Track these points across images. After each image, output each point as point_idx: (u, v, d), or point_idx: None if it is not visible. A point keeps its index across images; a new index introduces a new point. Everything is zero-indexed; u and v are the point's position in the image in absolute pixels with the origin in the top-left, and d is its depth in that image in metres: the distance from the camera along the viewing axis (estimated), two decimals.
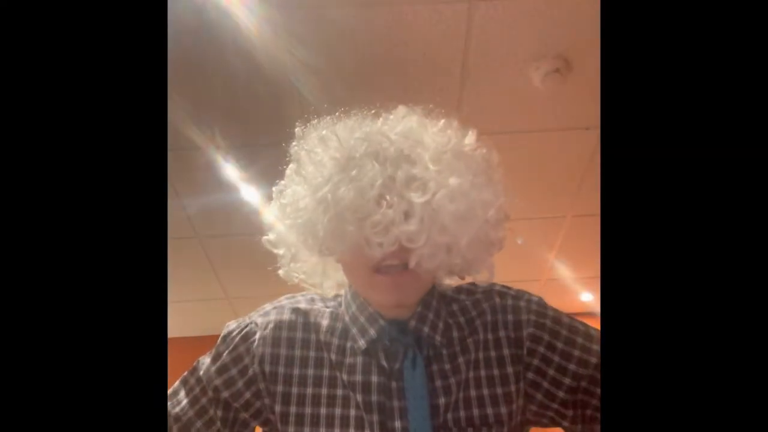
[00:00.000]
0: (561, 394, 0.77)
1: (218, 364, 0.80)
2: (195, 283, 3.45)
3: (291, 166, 0.81)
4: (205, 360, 0.83)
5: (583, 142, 2.57)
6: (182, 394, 0.83)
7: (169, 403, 0.82)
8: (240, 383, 0.79)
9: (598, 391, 0.76)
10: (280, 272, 0.84)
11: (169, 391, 0.83)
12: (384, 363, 0.77)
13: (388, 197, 0.69)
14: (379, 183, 0.69)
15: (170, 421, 0.80)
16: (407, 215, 0.69)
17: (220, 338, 0.83)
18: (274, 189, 0.81)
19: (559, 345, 0.78)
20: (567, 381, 0.77)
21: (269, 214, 0.80)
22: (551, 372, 0.77)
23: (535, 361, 0.78)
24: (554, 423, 0.81)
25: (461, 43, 2.07)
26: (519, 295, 0.83)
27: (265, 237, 0.82)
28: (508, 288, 0.85)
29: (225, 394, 0.79)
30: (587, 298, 3.81)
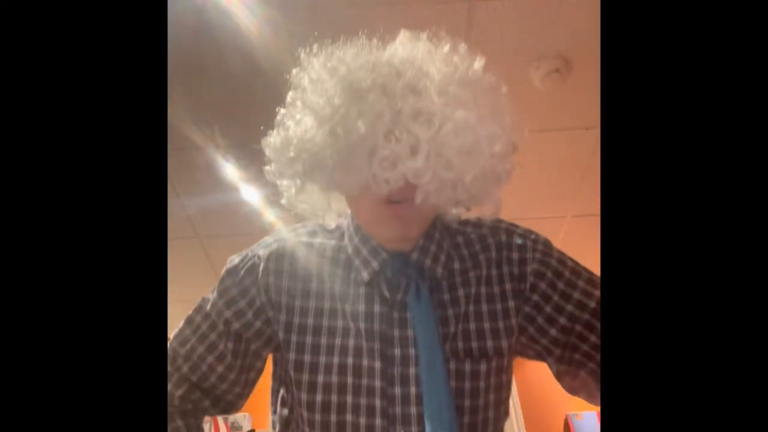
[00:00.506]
0: (553, 331, 0.78)
1: (226, 297, 0.81)
2: (195, 283, 3.45)
3: (291, 94, 0.79)
4: (211, 297, 0.83)
5: (583, 142, 2.57)
6: (188, 332, 0.83)
7: (175, 343, 0.82)
8: (249, 314, 0.80)
9: (592, 337, 0.76)
10: (283, 201, 0.83)
11: (174, 332, 0.84)
12: (386, 294, 0.77)
13: (396, 132, 0.68)
14: (388, 118, 0.68)
15: (179, 361, 0.81)
16: (413, 151, 0.68)
17: (224, 272, 0.83)
18: (276, 120, 0.79)
19: (560, 285, 0.79)
20: (562, 320, 0.78)
21: (269, 146, 0.78)
22: (548, 309, 0.78)
23: (535, 297, 0.79)
24: (540, 357, 0.82)
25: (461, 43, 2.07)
26: (526, 233, 0.83)
27: (266, 168, 0.80)
28: (516, 226, 0.85)
29: (236, 326, 0.80)
30: None
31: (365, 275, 0.78)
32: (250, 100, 2.23)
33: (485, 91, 0.74)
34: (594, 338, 0.78)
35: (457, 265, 0.80)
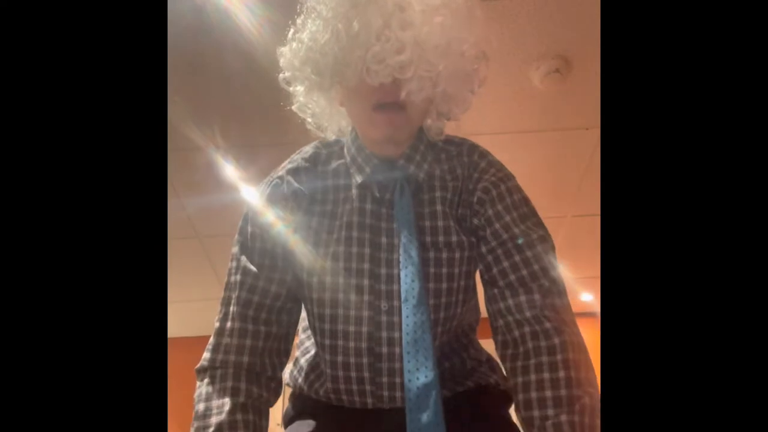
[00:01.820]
0: (482, 246, 0.90)
1: (262, 216, 0.92)
2: (195, 283, 3.45)
3: (301, 18, 0.92)
4: (245, 225, 0.94)
5: (583, 142, 2.57)
6: (244, 260, 0.91)
7: (238, 278, 0.90)
8: (274, 220, 0.92)
9: (505, 264, 0.86)
10: (294, 107, 0.97)
11: (231, 269, 0.92)
12: (377, 193, 0.91)
13: (385, 34, 0.82)
14: (380, 23, 0.82)
15: (249, 279, 0.89)
16: (399, 51, 0.81)
17: (257, 198, 0.96)
18: (287, 39, 0.93)
19: (499, 206, 0.90)
20: (488, 234, 0.89)
21: (283, 56, 0.92)
22: (481, 221, 0.91)
23: (479, 208, 0.91)
24: (481, 275, 0.92)
25: None
26: (494, 162, 0.96)
27: (281, 75, 0.94)
28: (489, 153, 0.98)
29: (264, 235, 0.91)
30: (587, 298, 3.81)
31: (359, 178, 0.91)
32: (250, 100, 2.23)
33: (459, 7, 0.86)
34: (506, 264, 0.87)
35: (438, 173, 0.93)
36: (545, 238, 0.89)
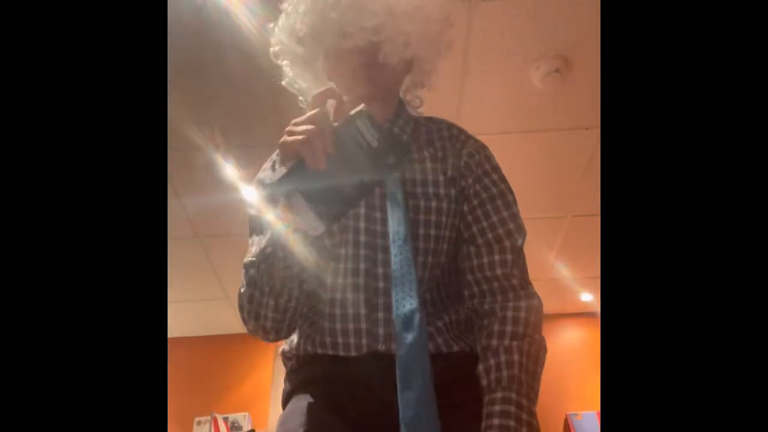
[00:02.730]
0: (465, 205, 0.97)
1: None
2: (195, 283, 3.45)
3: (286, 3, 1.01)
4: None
5: (583, 142, 2.57)
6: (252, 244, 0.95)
7: (249, 260, 0.92)
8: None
9: (484, 223, 0.94)
10: (283, 82, 1.04)
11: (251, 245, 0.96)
12: None
13: (359, 4, 0.90)
14: None
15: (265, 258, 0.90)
16: (372, 16, 0.90)
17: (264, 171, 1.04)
18: (279, 18, 1.00)
19: (479, 171, 0.99)
20: (471, 194, 0.97)
21: (273, 34, 1.00)
22: (470, 180, 0.98)
23: (464, 170, 0.99)
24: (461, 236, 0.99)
25: (461, 43, 2.07)
26: (472, 136, 1.04)
27: (271, 49, 1.01)
28: (465, 130, 1.05)
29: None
30: (587, 298, 3.81)
31: None
32: (250, 100, 2.23)
33: None
34: (483, 225, 0.95)
35: (423, 138, 1.01)
36: (512, 196, 1.00)
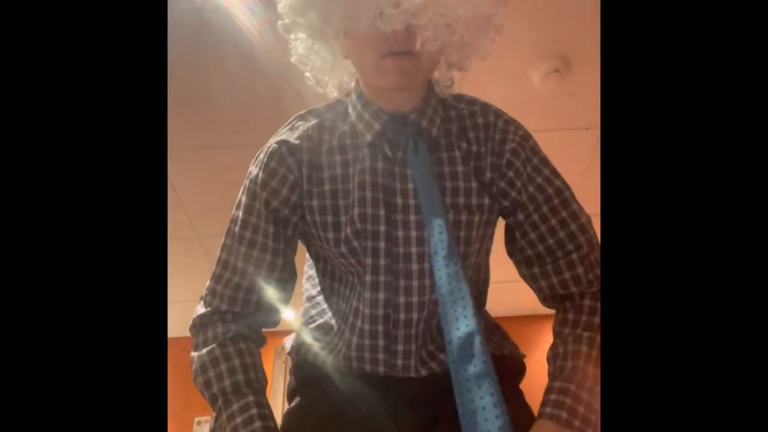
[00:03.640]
0: (520, 213, 0.89)
1: (262, 182, 0.89)
2: (195, 283, 3.44)
3: None
4: (246, 199, 0.92)
5: (583, 142, 2.57)
6: (229, 241, 0.93)
7: (223, 256, 0.94)
8: (284, 190, 0.88)
9: (543, 228, 0.88)
10: (293, 59, 0.91)
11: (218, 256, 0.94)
12: (388, 152, 0.86)
13: None
14: None
15: (228, 273, 0.92)
16: None
17: (255, 167, 0.93)
18: None
19: (529, 168, 0.90)
20: (524, 198, 0.89)
21: (281, 2, 0.84)
22: (519, 184, 0.89)
23: (510, 173, 0.89)
24: (508, 232, 0.93)
25: None
26: (511, 120, 0.93)
27: (280, 22, 0.87)
28: (503, 112, 0.94)
29: (274, 204, 0.88)
30: None
31: (368, 137, 0.86)
32: (251, 100, 2.23)
33: None
34: (543, 229, 0.89)
35: (454, 130, 0.89)
36: (568, 190, 0.93)
